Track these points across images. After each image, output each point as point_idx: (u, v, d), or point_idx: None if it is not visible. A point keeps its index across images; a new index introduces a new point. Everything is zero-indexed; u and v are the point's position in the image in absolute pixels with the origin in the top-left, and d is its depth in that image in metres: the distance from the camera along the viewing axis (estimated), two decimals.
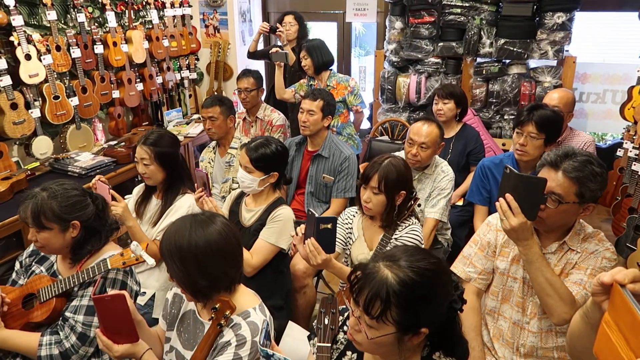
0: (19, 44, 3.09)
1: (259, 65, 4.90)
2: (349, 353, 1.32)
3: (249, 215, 2.22)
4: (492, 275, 1.81)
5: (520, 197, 1.51)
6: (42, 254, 1.80)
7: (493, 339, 1.82)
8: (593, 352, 0.91)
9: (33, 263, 1.81)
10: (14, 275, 1.83)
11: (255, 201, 2.25)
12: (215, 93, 4.90)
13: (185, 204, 2.28)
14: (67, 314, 1.62)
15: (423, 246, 2.04)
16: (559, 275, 1.63)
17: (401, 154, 2.78)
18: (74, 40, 3.46)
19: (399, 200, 1.99)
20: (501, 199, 1.55)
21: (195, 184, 2.15)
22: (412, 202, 2.03)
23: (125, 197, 2.48)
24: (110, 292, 1.58)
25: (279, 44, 4.16)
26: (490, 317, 1.83)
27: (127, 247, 2.91)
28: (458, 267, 1.87)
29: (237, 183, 2.63)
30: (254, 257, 2.12)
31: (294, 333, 1.77)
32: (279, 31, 3.80)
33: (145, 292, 2.29)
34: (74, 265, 1.72)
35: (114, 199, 2.15)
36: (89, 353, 1.63)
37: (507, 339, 1.76)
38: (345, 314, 1.36)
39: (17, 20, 3.03)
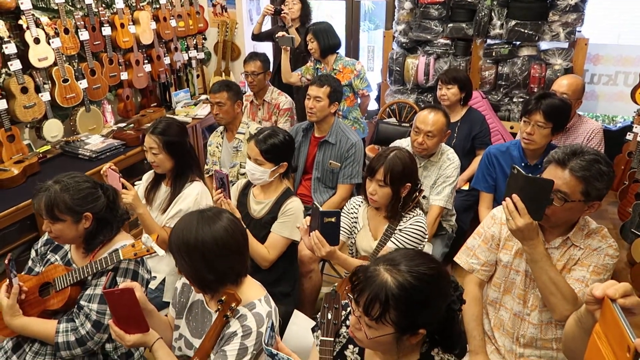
0: (27, 27, 3.10)
1: (267, 47, 4.87)
2: (350, 347, 1.37)
3: (258, 207, 2.25)
4: (495, 267, 1.85)
5: (527, 198, 1.52)
6: (57, 243, 1.87)
7: (494, 328, 1.86)
8: (584, 359, 0.95)
9: (48, 252, 1.87)
10: (30, 263, 1.90)
11: (263, 192, 2.27)
12: (223, 73, 4.90)
13: (193, 192, 2.32)
14: (82, 302, 1.69)
15: (427, 236, 2.08)
16: (561, 270, 1.66)
17: (407, 140, 2.80)
18: (82, 22, 3.47)
19: (404, 192, 2.01)
20: (507, 199, 1.56)
21: (214, 185, 2.17)
22: (417, 194, 2.05)
23: (135, 183, 2.53)
24: (122, 283, 1.64)
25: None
26: (492, 307, 1.87)
27: (136, 227, 2.99)
28: (461, 258, 1.90)
29: (245, 168, 2.67)
30: (270, 252, 2.17)
31: (300, 321, 1.83)
32: (284, 13, 3.77)
33: (155, 277, 2.36)
34: (87, 254, 1.78)
35: (124, 187, 2.19)
36: (103, 339, 1.71)
37: (508, 329, 1.81)
38: (348, 309, 1.41)
39: (26, 4, 3.03)
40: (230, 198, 2.11)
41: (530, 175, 1.53)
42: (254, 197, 2.28)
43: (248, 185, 2.34)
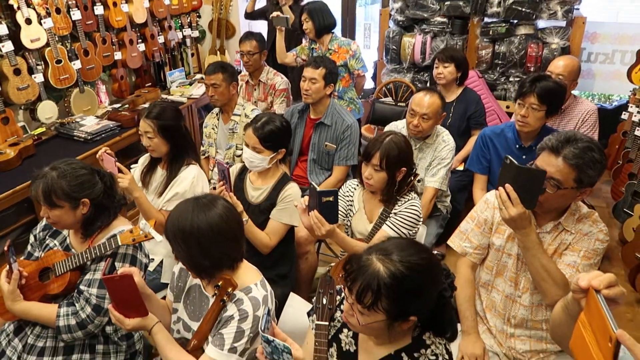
0: (18, 8, 3.06)
1: (262, 26, 4.81)
2: (345, 330, 1.41)
3: (256, 193, 2.26)
4: (487, 250, 1.88)
5: (520, 188, 1.53)
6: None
7: (486, 309, 1.91)
8: (569, 346, 0.99)
9: (47, 237, 1.89)
10: (29, 248, 1.92)
11: (261, 178, 2.27)
12: (218, 52, 4.85)
13: (189, 175, 2.33)
14: (82, 287, 1.72)
15: (421, 219, 2.11)
16: (552, 254, 1.69)
17: (403, 121, 2.80)
18: (74, 1, 3.42)
19: (400, 177, 2.03)
20: (500, 189, 1.57)
21: (217, 177, 2.18)
22: (412, 178, 2.07)
23: (131, 166, 2.54)
24: (121, 268, 1.67)
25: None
26: (484, 289, 1.91)
27: (134, 208, 3.00)
28: (454, 242, 1.93)
29: (241, 150, 2.67)
30: (272, 238, 2.19)
31: (296, 304, 1.87)
32: None
33: (153, 259, 2.39)
34: (86, 239, 1.80)
35: (120, 171, 2.20)
36: (103, 322, 1.75)
37: (499, 310, 1.85)
38: (342, 294, 1.44)
39: None
40: (232, 190, 2.11)
41: (522, 165, 1.54)
42: (251, 183, 2.29)
43: (244, 170, 2.34)
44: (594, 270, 1.63)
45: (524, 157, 2.60)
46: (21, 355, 1.75)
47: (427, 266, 1.18)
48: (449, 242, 1.96)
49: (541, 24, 4.02)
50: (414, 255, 1.17)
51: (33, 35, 3.17)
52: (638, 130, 3.41)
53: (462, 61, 3.24)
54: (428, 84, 4.25)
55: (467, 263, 1.91)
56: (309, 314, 1.51)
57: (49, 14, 3.24)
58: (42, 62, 3.30)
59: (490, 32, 3.97)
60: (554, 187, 1.58)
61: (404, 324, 1.21)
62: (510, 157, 1.55)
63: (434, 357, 1.26)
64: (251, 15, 4.32)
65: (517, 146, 2.60)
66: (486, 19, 4.03)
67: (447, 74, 3.19)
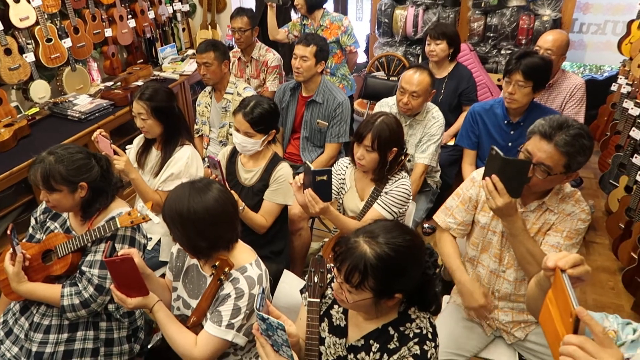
0: None
1: (252, 1, 4.75)
2: (335, 307, 1.49)
3: (249, 175, 2.31)
4: (471, 227, 1.95)
5: (506, 178, 1.57)
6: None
7: None
8: (539, 319, 1.07)
9: (47, 219, 1.95)
10: (30, 230, 1.98)
11: (252, 160, 2.31)
12: (209, 26, 4.81)
13: (184, 155, 2.38)
14: (84, 268, 1.79)
15: (411, 197, 2.17)
16: (536, 233, 1.77)
17: (394, 98, 2.84)
18: None
19: (391, 157, 2.09)
20: (487, 179, 1.61)
21: (210, 170, 2.20)
22: (403, 158, 2.13)
23: (126, 147, 2.58)
24: (120, 250, 1.73)
25: None
26: (470, 264, 1.99)
27: (129, 187, 3.04)
28: (439, 217, 2.01)
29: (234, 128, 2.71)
30: (267, 219, 2.25)
31: (290, 280, 1.95)
32: None
33: (151, 238, 2.46)
34: (85, 221, 1.86)
35: (115, 153, 2.24)
36: (106, 301, 1.83)
37: (484, 284, 1.94)
38: (333, 273, 1.52)
39: None
40: (225, 182, 2.15)
41: (508, 157, 1.57)
42: (242, 166, 2.33)
43: (234, 153, 2.38)
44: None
45: (512, 132, 2.66)
46: (28, 333, 1.84)
47: (410, 247, 1.25)
48: (434, 217, 2.03)
49: None
50: (398, 237, 1.24)
51: (22, 13, 3.14)
52: (626, 102, 3.44)
53: (454, 37, 3.24)
54: (420, 58, 4.26)
55: (450, 237, 1.98)
56: (301, 292, 1.59)
57: None
58: (33, 41, 3.29)
59: (482, 4, 3.97)
60: (544, 172, 1.62)
61: (389, 301, 1.29)
62: (496, 148, 1.58)
63: (418, 330, 1.35)
64: None
65: (506, 122, 2.65)
66: None
67: (439, 51, 3.20)
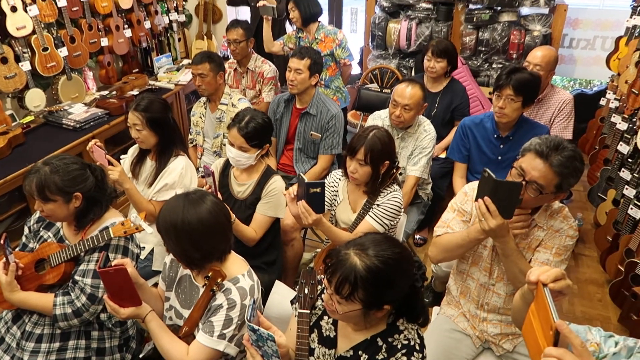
0: None
1: (248, 12, 4.81)
2: (325, 318, 1.52)
3: (241, 188, 2.33)
4: None
5: (498, 200, 1.59)
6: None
7: (460, 295, 2.02)
8: (522, 331, 1.10)
9: (41, 229, 1.96)
10: (23, 239, 1.99)
11: (245, 174, 2.34)
12: (205, 36, 4.85)
13: (178, 166, 2.41)
14: (77, 277, 1.80)
15: (402, 210, 2.21)
16: (525, 249, 1.80)
17: (386, 111, 2.88)
18: None
19: (383, 170, 2.12)
20: (480, 201, 1.63)
21: (205, 180, 2.21)
22: (394, 170, 2.17)
23: (121, 157, 2.60)
24: (114, 261, 1.75)
25: None
26: (460, 276, 2.01)
27: (122, 195, 3.06)
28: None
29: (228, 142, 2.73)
30: (257, 232, 2.27)
31: (281, 291, 1.97)
32: None
33: (144, 247, 2.47)
34: (79, 231, 1.88)
35: (110, 163, 2.26)
36: (98, 310, 1.84)
37: (474, 297, 1.96)
38: (323, 284, 1.55)
39: None
40: (218, 192, 2.17)
41: (499, 179, 1.59)
42: (235, 179, 2.36)
43: (227, 166, 2.40)
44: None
45: (501, 146, 2.71)
46: (20, 342, 1.84)
47: (399, 260, 1.28)
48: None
49: (524, 11, 4.08)
50: (387, 250, 1.27)
51: (19, 23, 3.17)
52: (614, 116, 3.51)
53: (454, 55, 3.27)
54: (413, 70, 4.32)
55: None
56: (292, 302, 1.61)
57: (34, 1, 3.23)
58: (29, 50, 3.31)
59: (474, 19, 4.04)
60: (536, 191, 1.65)
61: (378, 312, 1.32)
62: (488, 170, 1.60)
63: (406, 342, 1.38)
64: (233, 1, 4.34)
65: (495, 136, 2.70)
66: (470, 6, 4.08)
67: (439, 68, 3.22)
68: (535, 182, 1.64)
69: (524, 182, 1.66)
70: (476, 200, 1.65)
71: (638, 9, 3.57)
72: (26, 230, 2.00)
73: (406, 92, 2.63)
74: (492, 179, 1.58)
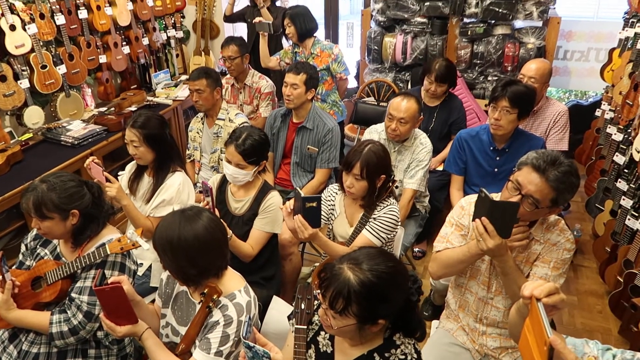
0: (2, 14, 3.09)
1: (244, 28, 4.85)
2: (322, 333, 1.52)
3: (239, 205, 2.34)
4: None
5: (495, 220, 1.59)
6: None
7: (459, 309, 2.02)
8: (518, 346, 1.10)
9: (38, 246, 1.96)
10: (20, 257, 1.99)
11: (242, 190, 2.34)
12: (203, 52, 4.89)
13: (176, 182, 2.41)
14: (73, 294, 1.80)
15: (399, 224, 2.21)
16: (523, 263, 1.80)
17: (382, 125, 2.90)
18: (57, 6, 3.45)
19: (379, 184, 2.13)
20: (477, 222, 1.63)
21: (202, 195, 2.22)
22: (391, 184, 2.18)
23: (119, 174, 2.61)
24: (110, 276, 1.75)
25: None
26: (458, 290, 2.01)
27: (120, 212, 3.06)
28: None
29: (225, 153, 2.74)
30: (254, 248, 2.26)
31: (279, 306, 1.96)
32: None
33: (142, 264, 2.47)
34: (76, 248, 1.88)
35: (107, 180, 2.27)
36: (94, 328, 1.83)
37: (472, 310, 1.96)
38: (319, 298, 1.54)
39: None
40: (215, 208, 2.17)
41: (496, 200, 1.60)
42: (232, 195, 2.36)
43: (224, 182, 2.41)
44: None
45: (497, 158, 2.72)
46: None
47: (393, 274, 1.28)
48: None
49: (518, 24, 4.13)
50: (381, 264, 1.27)
51: (17, 41, 3.20)
52: (610, 127, 3.53)
53: (455, 77, 3.27)
54: (409, 84, 4.36)
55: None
56: (289, 318, 1.61)
57: (33, 20, 3.27)
58: (28, 68, 3.33)
59: (469, 32, 4.08)
60: (532, 205, 1.65)
61: (373, 327, 1.31)
62: (485, 191, 1.60)
63: (403, 357, 1.37)
64: (230, 18, 4.38)
65: (491, 148, 2.71)
66: (465, 20, 4.13)
67: (439, 92, 3.23)
68: (532, 196, 1.65)
69: (520, 198, 1.67)
70: (473, 220, 1.65)
71: (630, 21, 3.61)
72: (23, 248, 2.00)
73: (401, 105, 2.65)
74: (489, 199, 1.57)
